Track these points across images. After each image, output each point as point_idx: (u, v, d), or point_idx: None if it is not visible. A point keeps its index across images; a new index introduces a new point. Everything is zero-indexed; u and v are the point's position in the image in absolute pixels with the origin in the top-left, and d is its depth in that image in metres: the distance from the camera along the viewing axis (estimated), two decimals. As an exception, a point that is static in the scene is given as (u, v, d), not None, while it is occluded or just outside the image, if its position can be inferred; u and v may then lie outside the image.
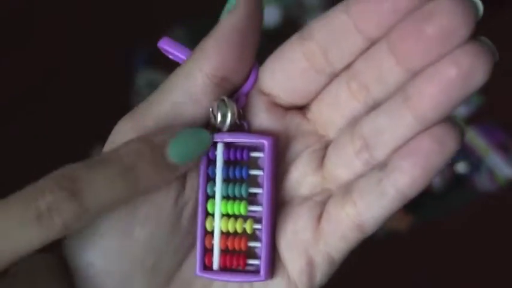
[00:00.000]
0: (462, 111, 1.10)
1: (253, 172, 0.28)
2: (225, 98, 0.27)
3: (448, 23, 0.23)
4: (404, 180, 0.25)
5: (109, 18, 1.04)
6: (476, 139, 1.07)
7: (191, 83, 0.27)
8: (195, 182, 0.28)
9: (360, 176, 0.27)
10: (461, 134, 0.25)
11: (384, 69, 0.25)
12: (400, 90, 0.25)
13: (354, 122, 0.27)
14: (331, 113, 0.27)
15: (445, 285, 0.95)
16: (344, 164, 0.27)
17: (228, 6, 0.27)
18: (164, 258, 0.28)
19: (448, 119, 0.25)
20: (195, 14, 0.94)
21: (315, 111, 0.28)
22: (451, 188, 1.04)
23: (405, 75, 0.25)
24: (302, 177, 0.28)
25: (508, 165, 1.05)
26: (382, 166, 0.26)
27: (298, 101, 0.28)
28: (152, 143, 0.26)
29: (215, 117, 0.27)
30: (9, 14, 1.03)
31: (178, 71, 0.27)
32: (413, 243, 0.97)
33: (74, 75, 1.02)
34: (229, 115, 0.27)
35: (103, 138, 0.28)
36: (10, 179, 0.98)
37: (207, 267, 0.28)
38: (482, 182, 1.05)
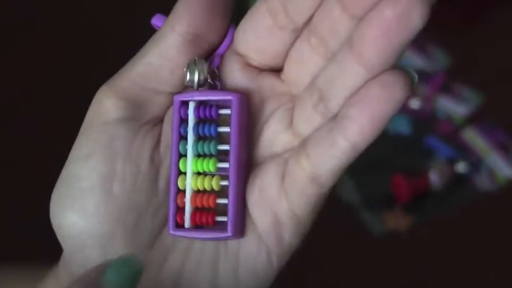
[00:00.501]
0: (462, 111, 1.10)
1: (223, 129, 0.28)
2: (196, 58, 0.28)
3: None
4: (353, 128, 0.25)
5: (109, 18, 1.04)
6: (476, 139, 1.07)
7: (164, 42, 0.28)
8: (169, 140, 0.29)
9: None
10: (411, 82, 0.25)
11: (335, 20, 0.25)
12: (348, 38, 0.25)
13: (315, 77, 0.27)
14: (298, 71, 0.28)
15: (445, 285, 0.95)
16: (305, 119, 0.27)
17: None
18: (145, 219, 0.28)
19: (398, 67, 0.25)
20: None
21: (286, 72, 0.28)
22: (451, 188, 1.04)
23: (352, 23, 0.25)
24: (274, 136, 0.28)
25: (508, 165, 1.05)
26: (335, 116, 0.26)
27: (270, 61, 0.28)
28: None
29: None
30: (9, 14, 1.03)
31: (153, 36, 0.28)
32: (413, 243, 0.97)
33: (73, 75, 1.02)
34: (196, 74, 0.27)
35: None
36: (10, 179, 0.98)
37: (179, 225, 0.28)
38: (482, 182, 1.05)
